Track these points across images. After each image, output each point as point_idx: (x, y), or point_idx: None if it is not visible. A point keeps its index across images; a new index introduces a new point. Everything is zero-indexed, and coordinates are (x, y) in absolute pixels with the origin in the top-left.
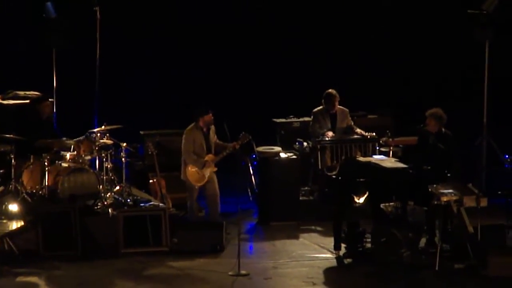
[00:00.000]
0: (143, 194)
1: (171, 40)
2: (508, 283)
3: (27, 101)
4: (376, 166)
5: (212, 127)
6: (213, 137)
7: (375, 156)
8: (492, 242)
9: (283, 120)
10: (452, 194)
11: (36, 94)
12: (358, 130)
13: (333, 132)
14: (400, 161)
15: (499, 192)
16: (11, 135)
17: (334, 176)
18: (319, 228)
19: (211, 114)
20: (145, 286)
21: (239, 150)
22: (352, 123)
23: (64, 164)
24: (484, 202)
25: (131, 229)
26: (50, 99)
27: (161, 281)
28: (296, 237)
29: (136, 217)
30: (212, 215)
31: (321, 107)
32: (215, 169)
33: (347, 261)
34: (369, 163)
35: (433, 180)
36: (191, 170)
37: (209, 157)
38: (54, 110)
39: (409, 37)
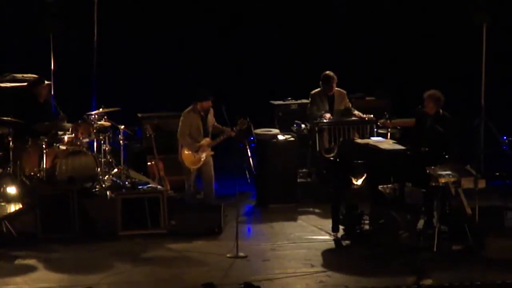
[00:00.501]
0: (141, 177)
1: (169, 22)
2: (506, 265)
3: (25, 83)
4: (374, 148)
5: (211, 110)
6: (211, 120)
7: (373, 138)
8: (490, 223)
9: (281, 102)
10: (450, 176)
11: (33, 77)
12: (356, 112)
13: (331, 114)
14: (398, 143)
15: (497, 174)
16: (9, 118)
17: (332, 158)
18: (317, 210)
19: (210, 101)
20: (143, 268)
21: (236, 136)
22: (350, 105)
23: (62, 147)
24: (482, 184)
25: (129, 212)
26: (47, 82)
27: (159, 263)
28: (294, 219)
29: (134, 199)
30: (207, 198)
31: (319, 89)
32: (212, 152)
33: (345, 243)
34: (367, 145)
35: (431, 162)
36: (187, 153)
37: (205, 141)
38: (52, 93)
39: (407, 19)
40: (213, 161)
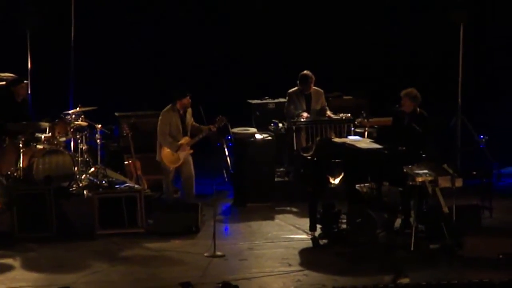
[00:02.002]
0: (118, 176)
1: (147, 21)
2: (483, 263)
3: (2, 83)
4: (351, 147)
5: (189, 110)
6: (189, 119)
7: (350, 137)
8: (467, 222)
9: (258, 101)
10: (427, 175)
11: (10, 76)
12: (328, 113)
13: (308, 113)
14: (375, 142)
15: (474, 173)
16: None
17: (309, 157)
18: (294, 209)
19: (189, 97)
20: (120, 267)
21: (215, 131)
22: (326, 104)
23: (39, 146)
24: (459, 183)
25: (106, 211)
26: (25, 81)
27: (136, 262)
28: (272, 218)
29: (111, 198)
30: (187, 197)
31: (296, 88)
32: (191, 151)
33: (323, 242)
34: (344, 144)
35: (408, 161)
36: (166, 151)
37: (185, 139)
38: (29, 92)
39: (384, 18)
40: (192, 160)
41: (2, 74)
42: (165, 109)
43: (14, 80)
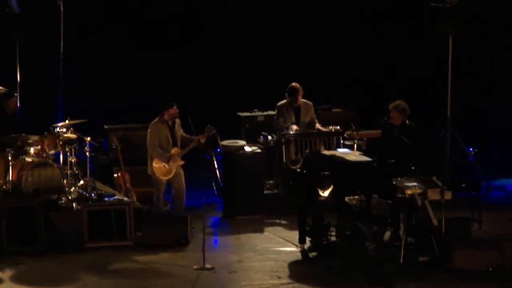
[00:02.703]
0: (108, 189)
1: (135, 34)
2: (472, 276)
3: None
4: (341, 160)
5: (177, 121)
6: (178, 130)
7: (339, 150)
8: (457, 235)
9: (248, 113)
10: (416, 187)
11: (2, 89)
12: (317, 125)
13: (297, 126)
14: (365, 154)
15: (463, 185)
16: None
17: (298, 170)
18: (283, 222)
19: (175, 107)
20: (109, 280)
21: (204, 144)
22: (315, 117)
23: (28, 159)
24: (448, 195)
25: (96, 224)
26: (15, 94)
27: (125, 275)
28: (261, 231)
29: (101, 211)
30: (178, 210)
31: (285, 100)
32: (182, 162)
33: (312, 254)
34: (334, 156)
35: (397, 173)
36: (158, 164)
37: (175, 150)
38: (18, 105)
39: (373, 31)
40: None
41: None
42: (153, 121)
43: (4, 94)
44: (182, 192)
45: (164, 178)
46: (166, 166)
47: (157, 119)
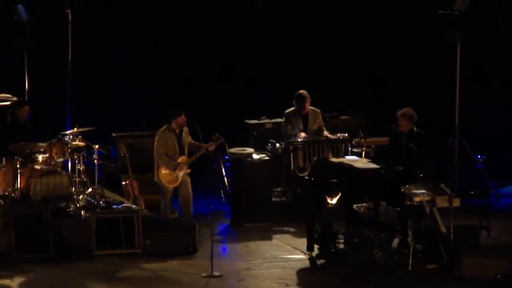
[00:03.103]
0: (116, 196)
1: (143, 42)
2: (480, 283)
3: (0, 103)
4: (349, 167)
5: (185, 129)
6: (186, 138)
7: (347, 157)
8: (465, 242)
9: (256, 121)
10: (425, 195)
11: (7, 97)
12: (325, 133)
13: (305, 133)
14: (373, 161)
15: (472, 192)
16: None
17: (306, 177)
18: (292, 229)
19: (184, 116)
20: None
21: (212, 151)
22: (323, 125)
23: (37, 167)
24: (456, 203)
25: (104, 231)
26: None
27: (134, 283)
28: (269, 238)
29: (109, 219)
30: (185, 217)
31: (293, 108)
32: (189, 170)
33: (320, 262)
34: (342, 164)
35: (405, 181)
36: (164, 172)
37: (182, 159)
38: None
39: (381, 39)
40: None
41: (0, 95)
42: (160, 129)
43: (18, 102)
44: (189, 199)
45: (171, 186)
46: (173, 174)
47: (164, 127)
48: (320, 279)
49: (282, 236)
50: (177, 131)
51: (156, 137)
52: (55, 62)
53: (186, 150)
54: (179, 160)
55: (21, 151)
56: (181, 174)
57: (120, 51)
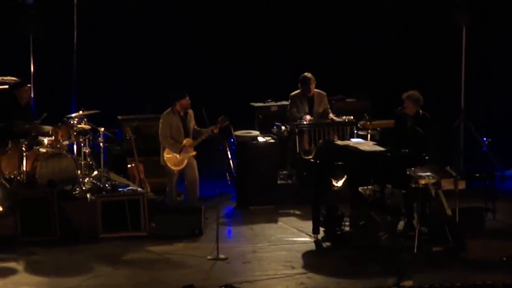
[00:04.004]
0: (121, 179)
1: (148, 25)
2: (486, 266)
3: (5, 86)
4: (354, 150)
5: (190, 111)
6: (191, 121)
7: (353, 140)
8: (470, 225)
9: (261, 104)
10: (430, 177)
11: (13, 80)
12: (331, 115)
13: (311, 116)
14: (378, 144)
15: (477, 175)
16: None
17: (312, 160)
18: (297, 212)
19: (188, 98)
20: (123, 270)
21: (218, 134)
22: (329, 107)
23: (42, 149)
24: (462, 185)
25: (110, 214)
26: (28, 85)
27: (139, 265)
28: (275, 221)
29: (115, 202)
30: (191, 200)
31: (298, 91)
32: (194, 153)
33: (326, 244)
34: (347, 146)
35: (411, 163)
36: (169, 155)
37: (187, 141)
38: (32, 96)
39: (386, 21)
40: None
41: (5, 78)
42: (165, 112)
43: (16, 84)
44: (195, 183)
45: (176, 169)
46: (178, 156)
47: (169, 109)
48: (326, 261)
49: (287, 219)
50: (181, 113)
51: (161, 120)
52: (60, 45)
53: (191, 133)
54: (184, 142)
55: (26, 133)
56: (186, 157)
57: (126, 33)
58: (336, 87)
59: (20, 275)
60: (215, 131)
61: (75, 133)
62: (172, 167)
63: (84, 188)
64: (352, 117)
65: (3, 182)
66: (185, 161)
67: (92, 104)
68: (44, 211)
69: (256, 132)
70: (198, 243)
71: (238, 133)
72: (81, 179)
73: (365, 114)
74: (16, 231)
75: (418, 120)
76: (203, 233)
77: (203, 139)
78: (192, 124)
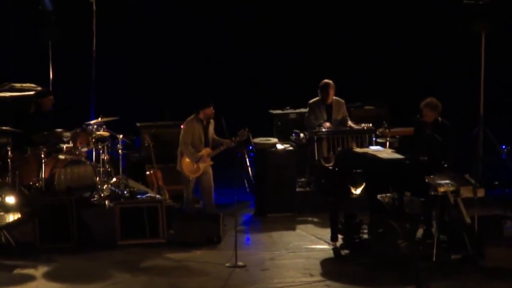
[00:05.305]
0: (140, 186)
1: (168, 32)
2: (505, 274)
3: (25, 93)
4: (373, 157)
5: (212, 121)
6: (211, 130)
7: (371, 147)
8: (489, 233)
9: (280, 111)
10: (449, 185)
11: (32, 86)
12: (350, 123)
13: (330, 123)
14: (397, 152)
15: (496, 183)
16: (8, 128)
17: (330, 167)
18: (315, 219)
19: (212, 108)
20: (142, 278)
21: (236, 144)
22: (347, 115)
23: (61, 156)
24: (481, 193)
25: (128, 221)
26: (52, 95)
27: (158, 273)
28: (293, 229)
29: (133, 209)
30: (207, 207)
31: (317, 98)
32: (211, 162)
33: (344, 252)
34: (366, 154)
35: (430, 171)
36: (187, 161)
37: (206, 150)
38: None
39: (405, 28)
40: (212, 171)
41: (24, 85)
42: (188, 119)
43: (41, 93)
44: (210, 190)
45: (192, 176)
46: (195, 164)
47: (192, 116)
48: (344, 269)
49: (306, 226)
50: (204, 122)
51: (184, 126)
52: (79, 51)
53: (210, 142)
54: (203, 151)
55: (45, 140)
56: (203, 166)
57: (146, 40)
58: (355, 95)
59: (39, 282)
60: (234, 142)
61: (93, 140)
62: (188, 174)
63: (102, 195)
64: (370, 125)
65: (22, 189)
66: (201, 170)
67: (111, 111)
68: (62, 218)
69: (274, 140)
70: (217, 250)
71: (257, 140)
72: (99, 186)
73: (384, 122)
74: (35, 238)
75: (437, 127)
76: (222, 240)
77: (221, 150)
78: (212, 133)
